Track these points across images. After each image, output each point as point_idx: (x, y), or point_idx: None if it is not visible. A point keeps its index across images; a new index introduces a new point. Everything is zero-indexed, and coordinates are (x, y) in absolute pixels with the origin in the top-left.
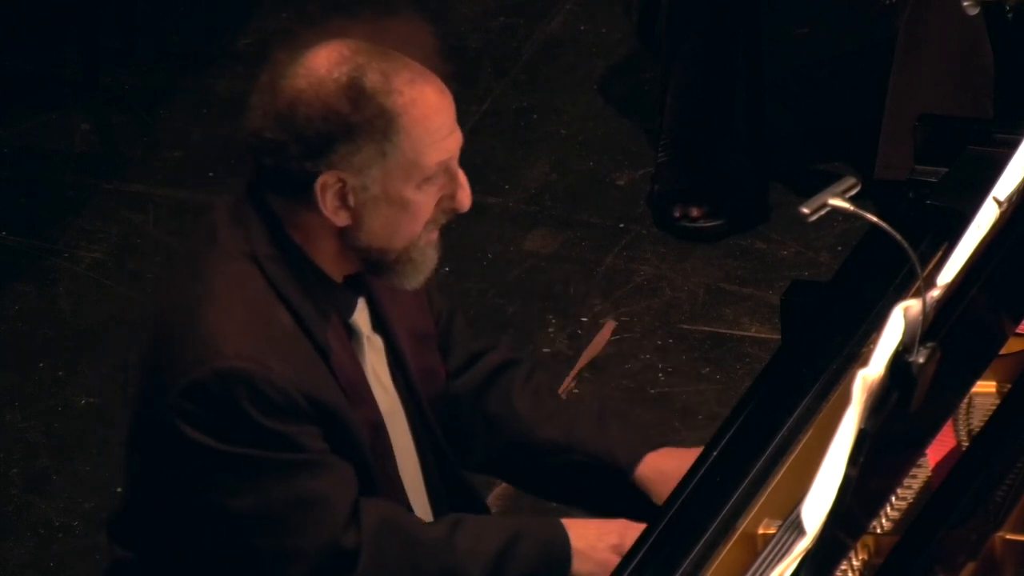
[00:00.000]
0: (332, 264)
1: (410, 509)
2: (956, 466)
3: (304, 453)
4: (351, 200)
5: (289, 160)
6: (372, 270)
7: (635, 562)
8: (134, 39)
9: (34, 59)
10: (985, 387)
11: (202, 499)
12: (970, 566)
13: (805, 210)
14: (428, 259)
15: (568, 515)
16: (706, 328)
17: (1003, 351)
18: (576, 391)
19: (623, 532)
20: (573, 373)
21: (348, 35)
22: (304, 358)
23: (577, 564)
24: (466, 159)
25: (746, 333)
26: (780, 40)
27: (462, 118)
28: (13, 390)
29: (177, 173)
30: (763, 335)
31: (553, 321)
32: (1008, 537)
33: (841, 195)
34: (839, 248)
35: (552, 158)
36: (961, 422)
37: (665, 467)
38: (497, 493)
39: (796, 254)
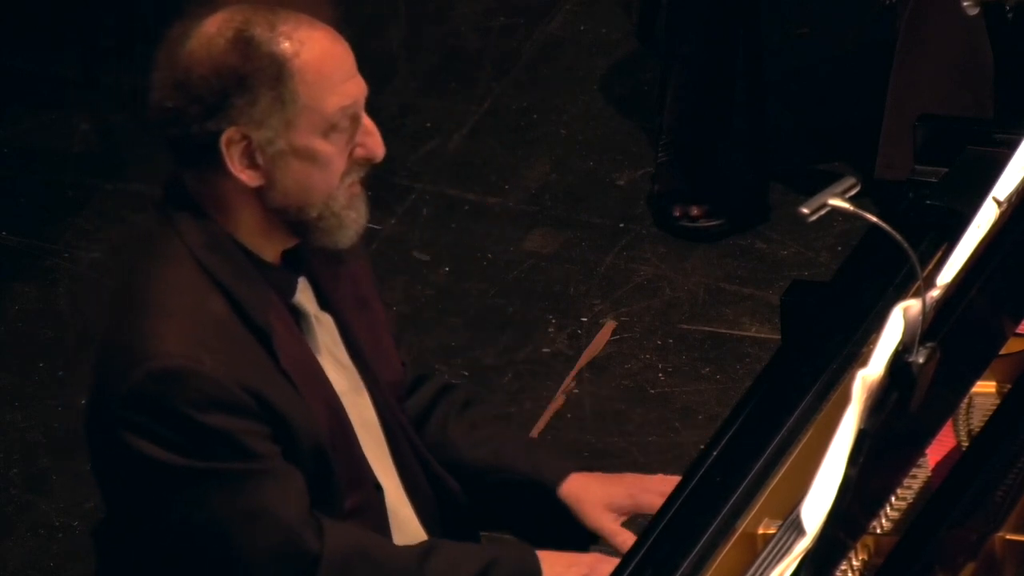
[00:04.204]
0: (262, 241)
1: (377, 485)
2: (956, 466)
3: (250, 461)
4: (259, 158)
5: (191, 124)
6: (299, 233)
7: (635, 562)
8: (134, 39)
9: (34, 59)
10: (985, 387)
11: (154, 512)
12: (970, 566)
13: (805, 210)
14: (355, 213)
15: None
16: (706, 328)
17: (1003, 351)
18: (576, 391)
19: (594, 565)
20: (573, 373)
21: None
22: (240, 345)
23: None
24: (466, 159)
25: (746, 333)
26: (780, 40)
27: (462, 118)
28: (13, 390)
29: None
30: (763, 335)
31: (553, 321)
32: (1008, 537)
33: (841, 195)
34: (839, 248)
35: (552, 158)
36: (961, 422)
37: (589, 486)
38: None
39: (796, 254)
